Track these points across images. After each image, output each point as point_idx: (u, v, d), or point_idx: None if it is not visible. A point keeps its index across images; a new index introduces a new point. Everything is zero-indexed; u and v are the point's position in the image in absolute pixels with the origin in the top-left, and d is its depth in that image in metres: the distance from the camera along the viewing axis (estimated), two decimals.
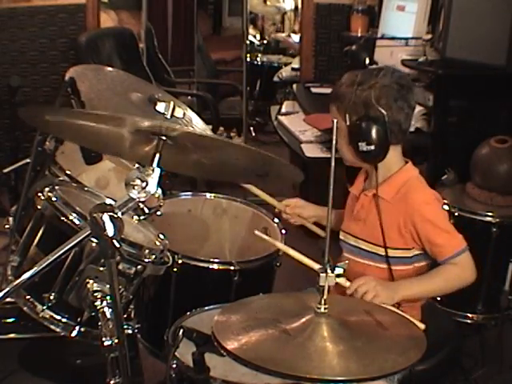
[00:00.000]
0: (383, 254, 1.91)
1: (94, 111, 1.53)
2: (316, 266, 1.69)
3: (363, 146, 1.83)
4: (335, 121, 1.52)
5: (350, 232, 2.00)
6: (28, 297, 1.60)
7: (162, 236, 1.85)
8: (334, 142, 1.49)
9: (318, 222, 2.20)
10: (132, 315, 1.75)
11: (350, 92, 1.85)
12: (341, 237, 2.03)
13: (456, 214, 2.41)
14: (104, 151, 1.81)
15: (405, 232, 1.88)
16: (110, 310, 1.50)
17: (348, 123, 1.85)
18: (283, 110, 4.02)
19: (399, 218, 1.87)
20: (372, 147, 1.83)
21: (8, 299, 1.45)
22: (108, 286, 1.50)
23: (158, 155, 1.43)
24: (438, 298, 2.36)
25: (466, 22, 2.72)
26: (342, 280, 1.78)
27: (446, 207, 2.03)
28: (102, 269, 1.53)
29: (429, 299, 2.05)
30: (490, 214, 2.45)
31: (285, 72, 6.05)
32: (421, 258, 1.92)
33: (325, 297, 1.40)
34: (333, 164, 1.46)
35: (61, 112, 1.61)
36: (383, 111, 1.82)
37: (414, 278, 1.89)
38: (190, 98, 4.98)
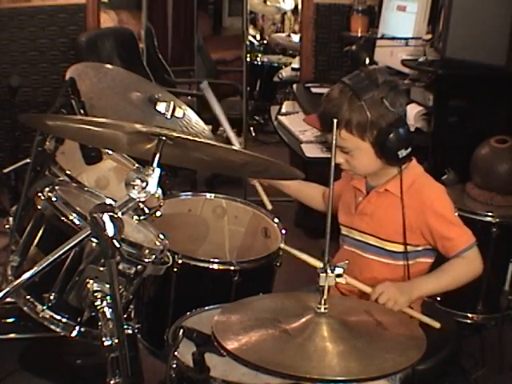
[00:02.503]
0: (389, 248, 1.92)
1: (92, 119, 1.53)
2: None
3: (403, 153, 1.83)
4: (335, 120, 1.53)
5: (354, 227, 1.99)
6: (28, 297, 1.60)
7: (162, 236, 1.84)
8: (334, 142, 1.49)
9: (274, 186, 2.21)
10: (132, 315, 1.74)
11: (359, 110, 1.80)
12: (343, 232, 2.02)
13: (456, 214, 2.41)
14: (104, 147, 1.82)
15: (415, 228, 1.88)
16: (110, 309, 1.49)
17: (372, 140, 1.82)
18: (283, 110, 4.02)
19: (410, 214, 1.88)
20: (410, 149, 1.85)
21: (8, 299, 1.45)
22: (108, 285, 1.50)
23: (158, 155, 1.44)
24: (438, 298, 2.36)
25: (466, 22, 2.72)
26: (360, 285, 1.81)
27: None
28: (102, 269, 1.53)
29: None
30: (489, 214, 2.45)
31: (285, 72, 6.06)
32: (422, 254, 1.93)
33: (325, 297, 1.40)
34: (333, 164, 1.46)
35: (60, 119, 1.62)
36: (400, 112, 1.84)
37: (425, 275, 1.90)
38: (189, 97, 4.98)
